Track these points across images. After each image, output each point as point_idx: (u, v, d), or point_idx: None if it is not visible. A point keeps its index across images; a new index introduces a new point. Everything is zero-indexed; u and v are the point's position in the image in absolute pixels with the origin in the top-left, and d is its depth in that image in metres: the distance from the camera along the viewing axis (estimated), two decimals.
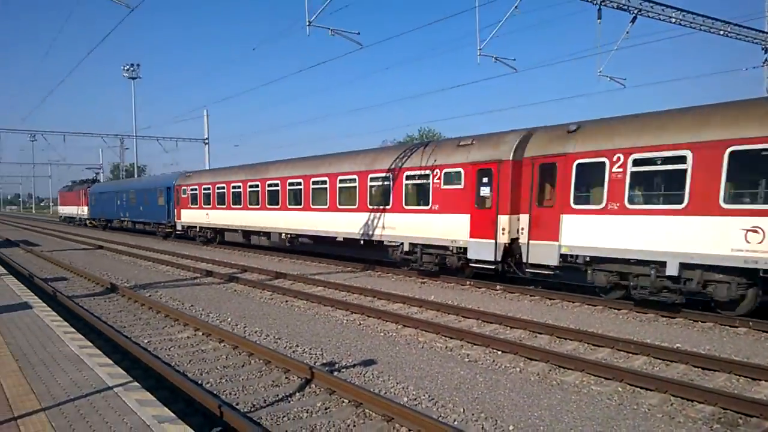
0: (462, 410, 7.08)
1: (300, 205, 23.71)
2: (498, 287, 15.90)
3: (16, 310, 10.71)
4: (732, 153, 10.92)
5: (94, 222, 52.61)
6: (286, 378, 8.34)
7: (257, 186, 26.94)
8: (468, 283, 16.70)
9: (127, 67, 64.65)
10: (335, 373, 8.35)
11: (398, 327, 11.61)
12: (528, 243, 14.60)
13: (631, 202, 12.56)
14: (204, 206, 32.31)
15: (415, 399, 7.50)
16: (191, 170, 37.97)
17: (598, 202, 13.09)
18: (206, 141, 54.04)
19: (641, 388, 7.89)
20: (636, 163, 12.42)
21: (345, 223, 21.08)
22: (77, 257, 25.89)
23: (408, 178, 18.35)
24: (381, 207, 19.31)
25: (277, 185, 25.33)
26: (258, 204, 26.94)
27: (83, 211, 55.40)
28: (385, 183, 19.20)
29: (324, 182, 22.13)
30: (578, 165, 13.54)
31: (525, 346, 9.67)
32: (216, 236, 32.80)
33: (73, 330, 9.42)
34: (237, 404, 7.24)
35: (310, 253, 24.38)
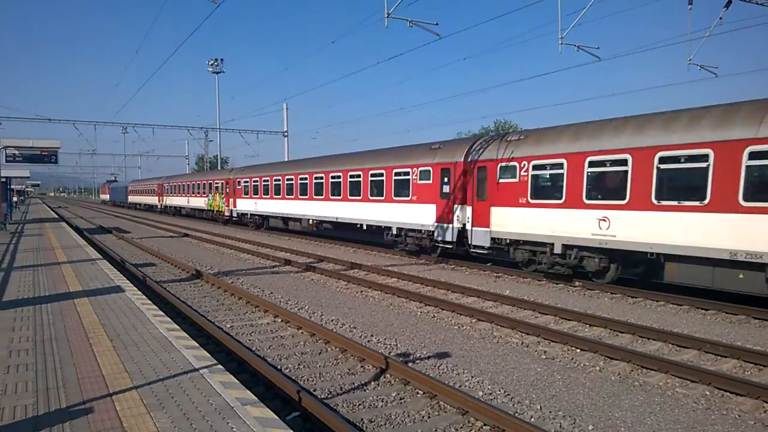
0: (539, 407, 6.95)
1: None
2: (577, 283, 15.47)
3: (111, 293, 11.39)
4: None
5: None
6: (362, 367, 8.46)
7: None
8: (544, 279, 16.35)
9: (212, 61, 67.04)
10: (410, 364, 8.39)
11: (473, 321, 11.52)
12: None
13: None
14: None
15: (491, 394, 7.42)
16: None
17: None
18: (285, 133, 55.33)
19: (731, 392, 7.48)
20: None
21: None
22: (164, 244, 27.27)
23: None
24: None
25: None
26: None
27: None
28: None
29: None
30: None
31: (605, 345, 9.36)
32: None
33: (162, 313, 9.92)
34: (314, 390, 7.42)
35: (382, 245, 24.58)
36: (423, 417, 6.62)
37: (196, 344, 7.86)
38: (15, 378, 6.15)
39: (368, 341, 9.97)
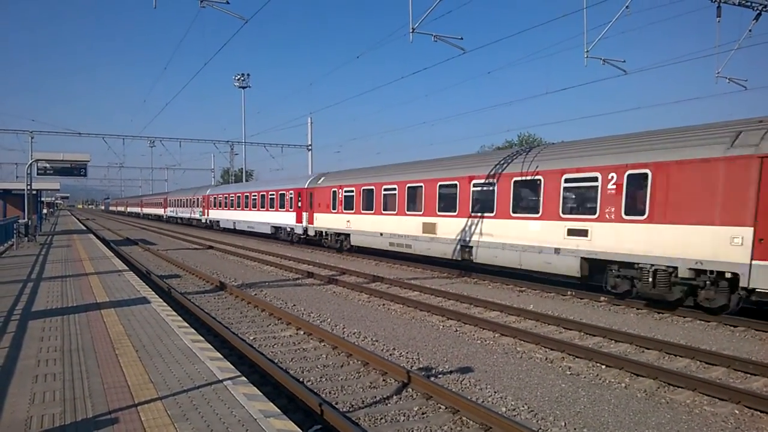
0: (563, 424, 6.85)
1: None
2: (602, 299, 15.25)
3: (137, 304, 11.54)
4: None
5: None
6: (384, 380, 8.43)
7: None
8: (569, 293, 16.16)
9: (239, 76, 67.99)
10: (432, 379, 8.35)
11: (496, 335, 11.42)
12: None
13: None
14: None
15: (514, 410, 7.34)
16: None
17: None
18: (309, 147, 55.78)
19: (761, 411, 7.30)
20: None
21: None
22: (189, 256, 27.58)
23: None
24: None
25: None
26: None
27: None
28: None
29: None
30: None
31: (631, 361, 9.20)
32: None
33: (186, 324, 10.02)
34: (336, 403, 7.41)
35: (406, 258, 24.57)
36: None
37: (220, 356, 7.92)
38: (43, 387, 6.25)
39: (390, 354, 9.95)
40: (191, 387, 6.32)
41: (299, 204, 33.66)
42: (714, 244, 12.08)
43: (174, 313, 11.05)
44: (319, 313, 13.50)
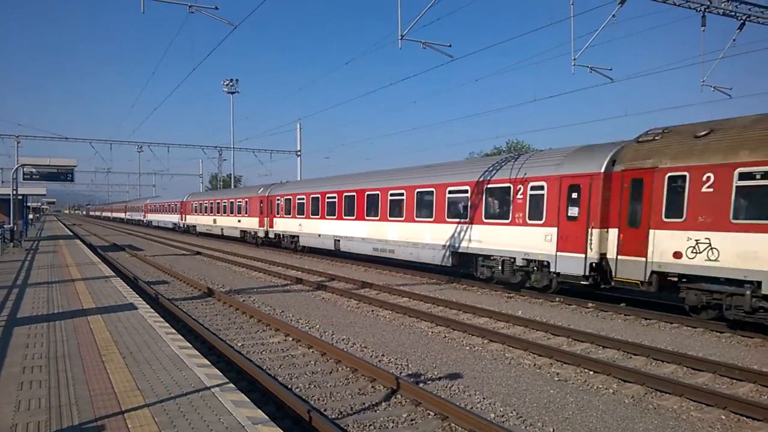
0: (552, 430, 6.87)
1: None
2: (590, 305, 15.34)
3: (124, 311, 11.45)
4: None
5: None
6: (372, 387, 8.42)
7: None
8: (558, 299, 16.23)
9: (227, 82, 67.89)
10: (421, 385, 8.34)
11: (484, 341, 11.44)
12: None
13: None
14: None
15: (503, 416, 7.36)
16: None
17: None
18: (298, 153, 55.74)
19: (747, 417, 7.37)
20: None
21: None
22: (177, 262, 27.42)
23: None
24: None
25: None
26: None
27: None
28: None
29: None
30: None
31: (619, 367, 9.26)
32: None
33: (174, 331, 9.95)
34: (325, 410, 7.39)
35: (395, 264, 24.62)
36: None
37: (208, 362, 7.87)
38: (28, 394, 6.19)
39: (379, 361, 9.93)
40: (179, 394, 6.28)
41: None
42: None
43: (161, 319, 10.97)
44: (308, 320, 13.46)
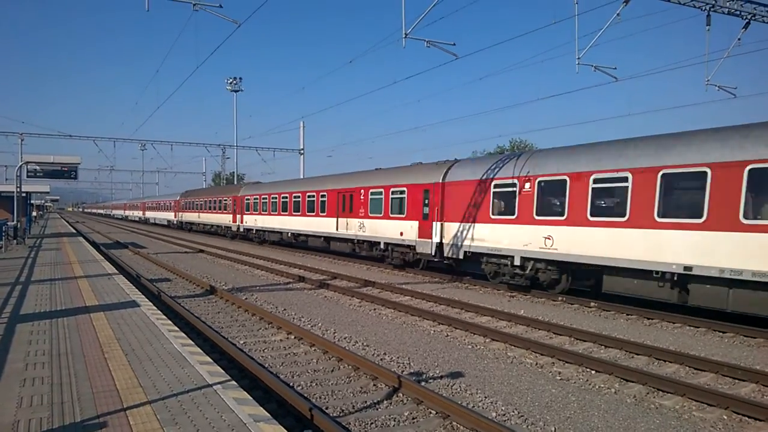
0: (553, 429, 6.87)
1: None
2: (592, 304, 15.32)
3: (126, 308, 11.47)
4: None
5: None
6: (374, 385, 8.42)
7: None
8: (560, 298, 16.22)
9: (231, 80, 67.85)
10: (423, 384, 8.34)
11: (486, 340, 11.44)
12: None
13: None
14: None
15: (504, 415, 7.35)
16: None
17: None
18: (302, 151, 55.74)
19: (749, 417, 7.36)
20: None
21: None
22: (179, 259, 27.45)
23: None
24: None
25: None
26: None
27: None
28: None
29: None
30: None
31: (621, 367, 9.25)
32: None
33: (176, 328, 9.97)
34: (326, 408, 7.40)
35: (395, 264, 24.65)
36: None
37: (210, 360, 7.88)
38: (31, 391, 6.20)
39: (381, 359, 9.94)
40: (181, 391, 6.29)
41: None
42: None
43: (164, 316, 10.99)
44: (310, 318, 13.47)
